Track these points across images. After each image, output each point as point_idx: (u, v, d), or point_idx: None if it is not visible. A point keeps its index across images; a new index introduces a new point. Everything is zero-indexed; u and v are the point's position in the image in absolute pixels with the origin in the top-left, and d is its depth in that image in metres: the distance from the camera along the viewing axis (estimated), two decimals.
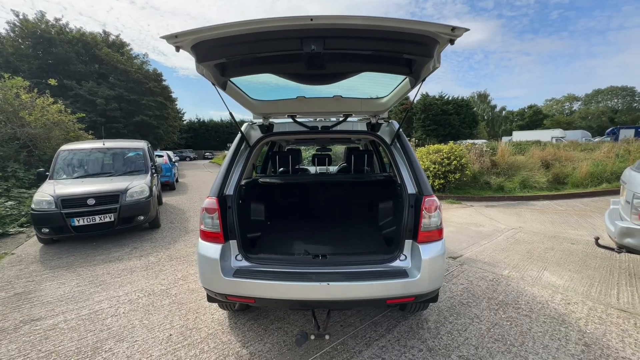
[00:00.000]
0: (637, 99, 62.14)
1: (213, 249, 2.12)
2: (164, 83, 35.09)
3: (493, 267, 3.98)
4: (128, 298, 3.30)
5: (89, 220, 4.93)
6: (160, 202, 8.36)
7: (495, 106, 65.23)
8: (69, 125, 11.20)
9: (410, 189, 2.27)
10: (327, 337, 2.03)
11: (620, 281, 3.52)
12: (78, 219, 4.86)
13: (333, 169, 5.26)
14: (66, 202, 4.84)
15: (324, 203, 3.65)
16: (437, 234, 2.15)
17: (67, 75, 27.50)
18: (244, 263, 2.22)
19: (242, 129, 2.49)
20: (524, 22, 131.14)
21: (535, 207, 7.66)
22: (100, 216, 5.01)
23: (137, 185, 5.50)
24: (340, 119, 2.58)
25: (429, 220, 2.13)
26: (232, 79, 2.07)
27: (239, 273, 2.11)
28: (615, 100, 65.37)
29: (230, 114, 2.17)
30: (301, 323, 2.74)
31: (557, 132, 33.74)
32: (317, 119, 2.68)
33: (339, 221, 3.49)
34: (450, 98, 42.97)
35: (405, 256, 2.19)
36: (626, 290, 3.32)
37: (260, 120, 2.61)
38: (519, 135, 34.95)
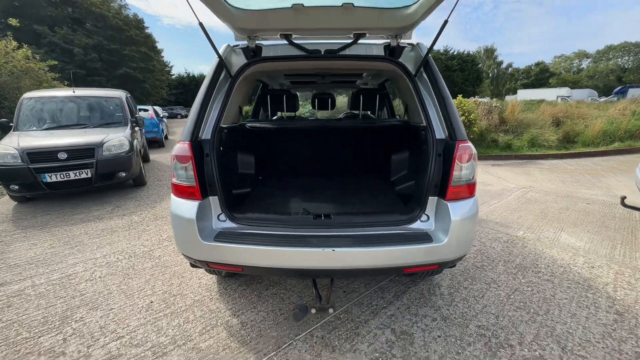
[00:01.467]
0: None
1: (188, 207, 1.69)
2: (146, 31, 32.13)
3: (506, 227, 3.69)
4: (106, 261, 2.97)
5: (62, 176, 4.44)
6: (147, 159, 7.84)
7: (501, 62, 61.97)
8: (39, 74, 10.11)
9: (439, 133, 1.79)
10: (330, 310, 1.71)
11: None
12: (50, 174, 4.36)
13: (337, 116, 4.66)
14: (33, 155, 4.30)
15: (327, 154, 3.15)
16: (469, 189, 1.73)
17: (37, 20, 24.80)
18: (229, 224, 1.81)
19: (221, 52, 1.90)
20: None
21: (543, 166, 7.29)
22: (75, 172, 4.51)
23: (115, 139, 4.93)
24: (350, 40, 1.97)
25: (461, 172, 1.69)
26: None
27: (222, 236, 1.71)
28: (626, 58, 62.38)
29: (201, 24, 1.57)
30: (299, 289, 2.45)
31: (564, 91, 32.41)
32: (320, 41, 2.05)
33: (345, 175, 3.04)
34: (455, 53, 40.46)
35: (428, 216, 1.79)
36: None
37: (244, 42, 2.00)
38: (523, 94, 33.56)
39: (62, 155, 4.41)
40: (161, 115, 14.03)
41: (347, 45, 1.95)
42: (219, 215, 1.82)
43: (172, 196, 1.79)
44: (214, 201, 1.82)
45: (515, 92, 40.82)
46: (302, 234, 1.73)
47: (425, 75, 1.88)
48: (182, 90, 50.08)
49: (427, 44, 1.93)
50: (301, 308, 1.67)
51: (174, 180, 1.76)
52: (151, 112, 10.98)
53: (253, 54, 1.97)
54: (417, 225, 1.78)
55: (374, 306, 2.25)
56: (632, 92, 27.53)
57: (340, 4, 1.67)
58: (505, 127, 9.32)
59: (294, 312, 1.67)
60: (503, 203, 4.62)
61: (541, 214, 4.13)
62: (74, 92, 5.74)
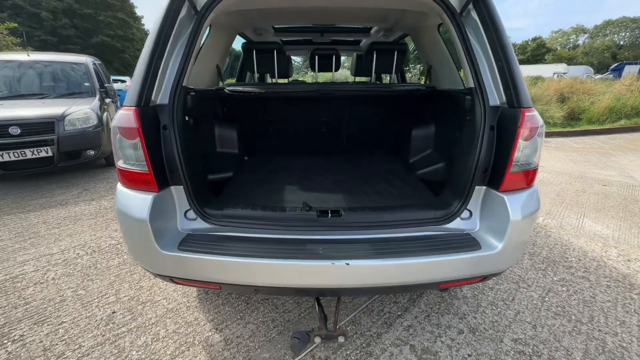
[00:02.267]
0: None
1: (139, 203, 1.19)
2: None
3: None
4: (63, 257, 2.48)
5: (17, 154, 3.81)
6: None
7: None
8: None
9: (493, 97, 1.30)
10: (341, 339, 1.30)
11: None
12: (1, 153, 3.73)
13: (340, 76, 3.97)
14: None
15: (332, 128, 2.60)
16: (530, 176, 1.28)
17: None
18: (200, 224, 1.34)
19: None
20: None
21: (550, 144, 6.94)
22: (32, 150, 3.88)
23: (79, 111, 4.26)
24: None
25: (524, 152, 1.23)
26: None
27: (190, 242, 1.24)
28: (623, 34, 61.54)
29: None
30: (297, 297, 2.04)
31: (560, 68, 31.70)
32: None
33: (354, 155, 2.51)
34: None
35: (471, 212, 1.35)
36: None
37: None
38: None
39: (14, 130, 3.76)
40: None
41: None
42: (186, 212, 1.34)
43: (118, 186, 1.29)
44: (178, 192, 1.32)
45: None
46: (303, 237, 1.28)
47: (475, 15, 1.35)
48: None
49: None
50: (301, 336, 1.25)
51: (119, 163, 1.25)
52: (128, 82, 10.01)
53: None
54: (455, 224, 1.34)
55: (387, 314, 1.87)
56: (628, 69, 27.08)
57: None
58: None
59: (291, 342, 1.25)
60: None
61: (558, 198, 3.78)
62: (28, 55, 4.93)
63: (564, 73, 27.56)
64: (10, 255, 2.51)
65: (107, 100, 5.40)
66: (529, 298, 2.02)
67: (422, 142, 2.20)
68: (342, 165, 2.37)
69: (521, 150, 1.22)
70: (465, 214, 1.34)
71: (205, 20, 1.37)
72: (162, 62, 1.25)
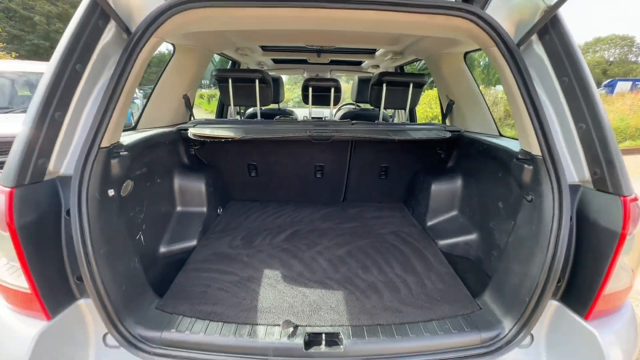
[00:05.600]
0: (634, 50, 60.02)
1: (14, 342, 0.75)
2: None
3: None
4: None
5: None
6: None
7: None
8: None
9: (569, 172, 0.90)
10: None
11: None
12: None
13: (333, 112, 3.42)
14: None
15: (329, 174, 2.11)
16: (626, 293, 0.87)
17: None
18: (125, 355, 0.88)
19: None
20: None
21: None
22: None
23: None
24: None
25: (625, 259, 0.81)
26: None
27: None
28: (612, 51, 63.32)
29: None
30: None
31: None
32: None
33: (353, 216, 2.01)
34: None
35: (532, 337, 0.92)
36: None
37: None
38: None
39: None
40: (134, 96, 12.52)
41: None
42: (105, 337, 0.89)
43: None
44: (91, 308, 0.87)
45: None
46: None
47: (540, 50, 0.95)
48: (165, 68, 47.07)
49: None
50: None
51: None
52: None
53: None
54: (511, 356, 0.91)
55: None
56: (621, 86, 27.57)
57: None
58: (511, 121, 8.60)
59: None
60: None
61: None
62: None
63: None
64: None
65: None
66: None
67: (444, 200, 1.77)
68: (340, 224, 1.91)
69: (622, 258, 0.81)
70: (526, 341, 0.92)
71: (144, 47, 0.95)
72: (69, 112, 0.82)
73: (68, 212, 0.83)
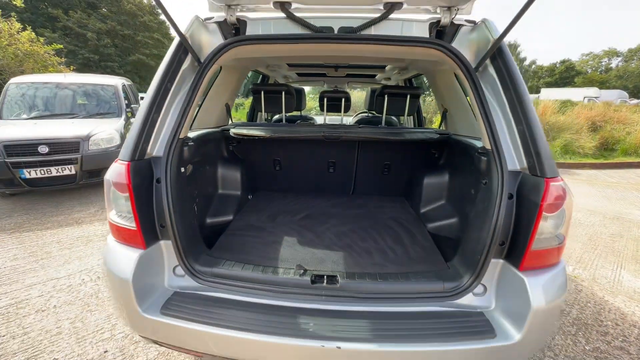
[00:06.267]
0: None
1: (124, 261, 1.15)
2: (160, 17, 31.75)
3: None
4: (69, 283, 2.50)
5: (43, 172, 4.02)
6: None
7: (524, 59, 59.22)
8: (44, 57, 9.78)
9: (512, 162, 1.18)
10: None
11: None
12: (29, 170, 3.94)
13: (350, 120, 3.90)
14: (10, 148, 3.87)
15: (337, 173, 2.51)
16: (556, 252, 1.13)
17: (52, 4, 24.80)
18: (188, 282, 1.27)
19: (184, 29, 1.32)
20: None
21: (580, 177, 6.49)
22: (57, 168, 4.08)
23: (104, 132, 4.47)
24: (377, 14, 1.34)
25: (548, 225, 1.08)
26: None
27: (175, 304, 1.17)
28: None
29: None
30: None
31: (592, 92, 30.43)
32: (333, 15, 1.43)
33: (359, 204, 2.38)
34: None
35: (485, 288, 1.20)
36: None
37: (220, 14, 1.39)
38: (547, 93, 31.74)
39: (43, 149, 3.98)
40: None
41: (374, 22, 1.34)
42: (175, 268, 1.28)
43: (109, 238, 1.26)
44: (167, 247, 1.27)
45: (538, 91, 38.72)
46: (295, 306, 1.17)
47: (492, 71, 1.26)
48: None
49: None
50: None
51: (111, 215, 1.22)
52: None
53: (234, 31, 1.39)
54: (467, 300, 1.20)
55: None
56: None
57: None
58: None
59: None
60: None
61: (590, 242, 3.45)
62: (64, 77, 5.30)
63: (595, 97, 26.41)
64: (20, 276, 2.56)
65: (132, 120, 5.66)
66: None
67: (434, 191, 2.07)
68: (347, 210, 2.26)
69: (545, 224, 1.07)
70: (479, 288, 1.20)
71: (208, 71, 1.36)
72: (161, 114, 1.24)
73: (158, 180, 1.23)
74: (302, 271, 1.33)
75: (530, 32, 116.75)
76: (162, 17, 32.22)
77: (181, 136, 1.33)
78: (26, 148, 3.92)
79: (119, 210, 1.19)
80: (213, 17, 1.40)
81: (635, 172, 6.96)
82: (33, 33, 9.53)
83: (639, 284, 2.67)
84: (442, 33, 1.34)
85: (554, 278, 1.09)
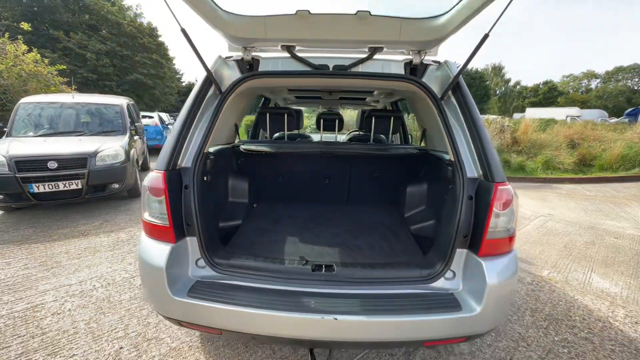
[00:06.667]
0: None
1: (158, 252, 1.38)
2: (159, 39, 32.72)
3: (529, 265, 3.31)
4: (81, 288, 2.66)
5: (51, 186, 4.20)
6: (146, 168, 7.61)
7: (509, 80, 62.04)
8: (48, 77, 10.10)
9: (471, 170, 1.47)
10: None
11: None
12: (37, 184, 4.12)
13: (343, 137, 4.29)
14: (22, 164, 4.06)
15: (331, 183, 2.82)
16: (507, 242, 1.40)
17: (54, 26, 25.51)
18: (209, 272, 1.50)
19: (210, 66, 1.63)
20: None
21: (561, 190, 6.89)
22: (64, 182, 4.26)
23: (110, 148, 4.70)
24: (364, 55, 1.68)
25: (499, 221, 1.36)
26: None
27: (199, 289, 1.39)
28: (636, 80, 61.87)
29: (183, 31, 1.30)
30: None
31: (573, 111, 32.01)
32: (328, 55, 1.77)
33: (351, 210, 2.68)
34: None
35: (454, 273, 1.46)
36: None
37: (238, 54, 1.73)
38: (532, 113, 33.25)
39: (52, 165, 4.18)
40: (167, 122, 13.94)
41: (361, 61, 1.67)
42: (197, 261, 1.51)
43: (142, 235, 1.49)
44: (192, 243, 1.51)
45: (523, 110, 40.46)
46: (298, 290, 1.41)
47: (454, 100, 1.58)
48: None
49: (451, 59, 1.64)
50: None
51: (145, 216, 1.46)
52: (156, 119, 10.89)
53: (249, 67, 1.70)
54: (440, 283, 1.45)
55: None
56: None
57: (354, 12, 1.40)
58: (518, 148, 8.98)
59: None
60: (522, 233, 4.24)
61: (565, 249, 3.74)
62: (73, 97, 5.58)
63: (577, 116, 27.76)
64: (33, 284, 2.71)
65: (135, 137, 5.92)
66: (527, 358, 1.99)
67: (416, 198, 2.36)
68: (341, 216, 2.54)
69: (497, 219, 1.35)
70: (449, 274, 1.45)
71: (227, 99, 1.66)
72: (189, 134, 1.51)
73: (186, 187, 1.47)
74: (304, 262, 1.58)
75: (515, 54, 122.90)
76: (161, 38, 33.25)
77: (205, 151, 1.60)
78: (36, 164, 4.11)
79: (151, 212, 1.44)
80: (232, 56, 1.73)
81: (611, 185, 7.41)
82: (38, 55, 9.88)
83: (606, 284, 2.94)
84: (414, 70, 1.68)
85: (506, 262, 1.36)
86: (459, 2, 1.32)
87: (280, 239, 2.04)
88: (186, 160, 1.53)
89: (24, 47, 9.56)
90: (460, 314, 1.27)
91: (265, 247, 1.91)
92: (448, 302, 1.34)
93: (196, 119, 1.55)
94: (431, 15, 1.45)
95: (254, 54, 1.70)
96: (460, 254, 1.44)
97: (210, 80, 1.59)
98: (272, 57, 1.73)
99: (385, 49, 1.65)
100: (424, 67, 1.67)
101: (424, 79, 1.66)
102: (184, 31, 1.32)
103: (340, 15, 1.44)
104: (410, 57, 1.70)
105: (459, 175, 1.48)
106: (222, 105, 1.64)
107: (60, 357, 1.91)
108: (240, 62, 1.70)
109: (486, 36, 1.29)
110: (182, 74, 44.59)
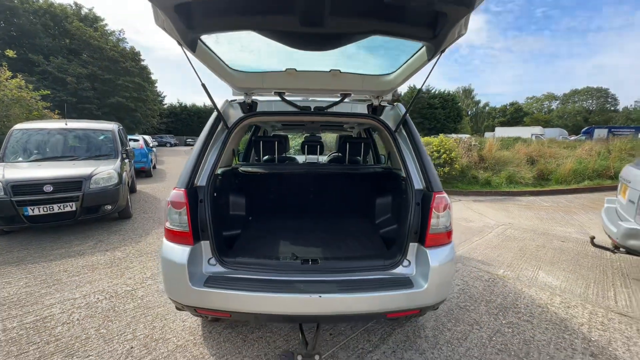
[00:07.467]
0: (610, 100, 65.07)
1: (180, 252, 1.74)
2: (142, 63, 33.02)
3: (487, 265, 3.82)
4: (85, 301, 2.87)
5: (45, 209, 4.36)
6: (133, 190, 7.75)
7: (479, 102, 66.64)
8: (31, 102, 10.15)
9: (417, 184, 1.96)
10: (317, 357, 1.73)
11: (615, 282, 3.43)
12: (32, 207, 4.28)
13: (324, 158, 4.85)
14: (18, 188, 4.23)
15: (315, 197, 3.30)
16: (446, 236, 1.87)
17: (32, 50, 25.31)
18: (218, 268, 1.86)
19: (219, 107, 2.08)
20: (509, 19, 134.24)
21: (521, 202, 7.66)
22: (59, 205, 4.44)
23: (104, 172, 4.94)
24: (337, 99, 2.20)
25: (439, 220, 1.84)
26: (203, 38, 1.62)
27: (212, 281, 1.75)
28: (590, 101, 68.11)
29: (203, 85, 1.76)
30: (285, 332, 2.43)
31: (537, 130, 34.89)
32: (310, 99, 2.29)
33: (331, 218, 3.16)
34: (436, 92, 43.30)
35: (409, 262, 1.90)
36: (622, 292, 3.22)
37: (241, 98, 2.21)
38: (501, 132, 35.87)
39: (48, 188, 4.37)
40: (151, 145, 14.07)
41: (335, 104, 2.19)
42: (209, 259, 1.88)
43: (164, 240, 1.85)
44: (205, 245, 1.88)
45: (493, 130, 43.52)
46: (290, 279, 1.79)
47: (404, 132, 2.11)
48: (174, 119, 50.64)
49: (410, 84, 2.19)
50: (287, 355, 1.68)
51: (168, 224, 1.83)
52: (141, 142, 11.05)
53: (249, 108, 2.17)
54: (399, 270, 1.88)
55: (360, 350, 2.26)
56: (598, 132, 30.07)
57: (329, 70, 1.91)
58: (485, 165, 9.85)
59: (280, 359, 1.68)
60: (484, 240, 4.79)
61: (520, 252, 4.30)
62: (66, 124, 5.81)
63: (541, 134, 30.28)
64: (38, 299, 2.89)
65: (126, 161, 6.15)
66: (479, 338, 2.43)
67: (383, 208, 2.86)
68: (324, 224, 2.99)
69: (437, 219, 1.83)
70: (406, 262, 1.90)
71: (233, 132, 2.11)
72: (203, 159, 1.93)
73: (201, 201, 1.85)
74: (294, 257, 1.99)
75: (482, 79, 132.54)
76: (144, 62, 33.53)
77: (215, 172, 2.01)
78: (33, 187, 4.29)
79: (172, 221, 1.81)
80: (236, 99, 2.21)
81: (565, 197, 8.30)
82: (23, 81, 9.98)
83: (549, 279, 3.48)
84: (375, 110, 2.21)
85: (446, 251, 1.83)
86: (403, 64, 1.87)
87: (275, 242, 2.46)
88: (201, 179, 1.93)
89: (9, 73, 9.65)
90: (412, 289, 1.71)
91: (263, 248, 2.33)
92: (404, 283, 1.77)
93: (209, 148, 1.97)
94: (383, 73, 1.99)
95: (253, 98, 2.19)
96: (413, 247, 1.90)
97: (220, 117, 2.04)
98: (267, 99, 2.23)
99: (352, 95, 2.19)
100: (382, 107, 2.22)
101: (382, 117, 2.20)
102: (204, 86, 1.77)
103: (318, 72, 1.95)
104: (371, 100, 2.24)
105: (410, 188, 1.97)
106: (229, 137, 2.08)
107: (77, 357, 2.15)
108: (242, 104, 2.18)
109: (420, 90, 1.83)
110: (164, 97, 44.78)
